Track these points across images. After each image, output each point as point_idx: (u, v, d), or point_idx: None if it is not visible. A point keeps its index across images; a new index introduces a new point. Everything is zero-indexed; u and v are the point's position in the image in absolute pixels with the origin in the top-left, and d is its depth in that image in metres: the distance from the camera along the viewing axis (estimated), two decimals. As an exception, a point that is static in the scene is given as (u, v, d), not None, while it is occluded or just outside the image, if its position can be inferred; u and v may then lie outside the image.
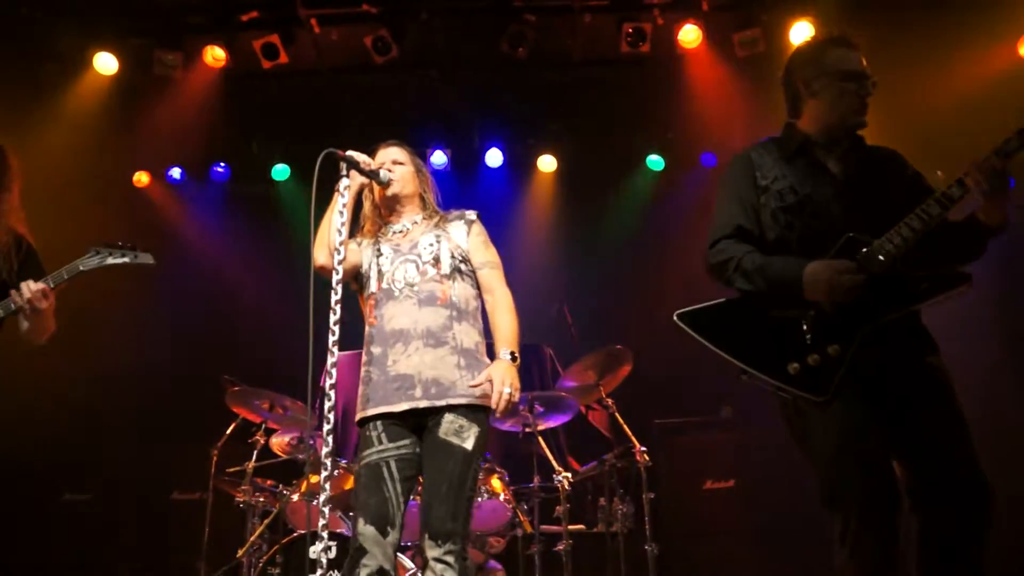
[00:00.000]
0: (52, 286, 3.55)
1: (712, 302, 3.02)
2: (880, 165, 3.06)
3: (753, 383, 2.92)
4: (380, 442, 3.18)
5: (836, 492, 2.73)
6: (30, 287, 3.48)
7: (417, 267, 3.33)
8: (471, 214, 3.53)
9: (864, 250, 2.81)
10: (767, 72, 6.74)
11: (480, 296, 3.43)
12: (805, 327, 2.84)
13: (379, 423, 3.20)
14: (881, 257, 2.78)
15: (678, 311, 2.98)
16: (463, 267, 3.37)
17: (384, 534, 3.06)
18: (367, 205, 3.56)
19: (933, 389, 2.81)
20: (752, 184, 3.03)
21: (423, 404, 3.16)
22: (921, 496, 2.75)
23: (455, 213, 3.55)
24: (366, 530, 3.06)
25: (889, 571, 2.64)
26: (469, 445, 3.11)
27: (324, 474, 2.77)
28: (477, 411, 3.19)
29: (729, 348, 2.90)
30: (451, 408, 3.14)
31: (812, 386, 2.78)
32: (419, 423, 3.20)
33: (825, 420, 2.78)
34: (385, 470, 3.14)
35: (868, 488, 2.67)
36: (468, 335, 3.28)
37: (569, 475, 5.21)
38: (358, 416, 3.28)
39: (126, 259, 3.66)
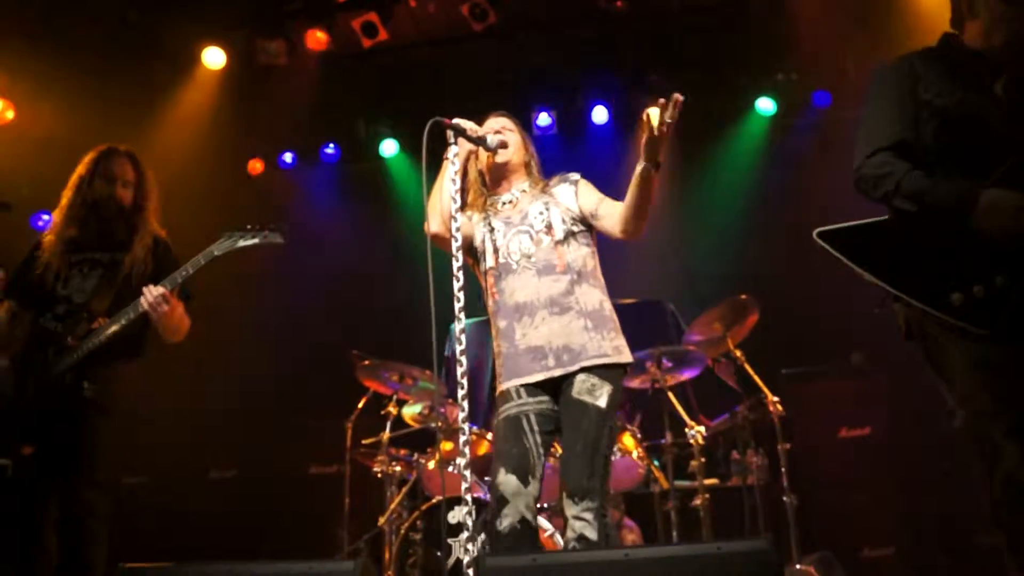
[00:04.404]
0: (170, 288, 3.63)
1: (857, 222, 2.81)
2: None
3: (886, 316, 2.77)
4: (519, 396, 3.21)
5: (986, 453, 2.54)
6: (151, 291, 3.59)
7: (531, 237, 3.31)
8: (574, 175, 3.47)
9: None
10: (879, -2, 6.46)
11: (596, 254, 3.39)
12: (966, 254, 2.61)
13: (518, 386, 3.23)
14: None
15: (819, 229, 2.78)
16: (575, 229, 3.34)
17: (525, 483, 3.07)
18: (472, 173, 3.53)
19: None
20: (913, 95, 2.81)
21: (558, 372, 3.17)
22: None
23: (557, 177, 3.49)
24: (508, 479, 3.08)
25: None
26: (603, 403, 3.10)
27: (463, 439, 2.77)
28: (611, 369, 3.17)
29: (879, 272, 2.70)
30: (584, 369, 3.13)
31: (977, 318, 2.56)
32: (555, 388, 3.20)
33: (976, 370, 2.58)
34: (525, 422, 3.16)
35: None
36: (590, 296, 3.26)
37: (702, 429, 5.16)
38: (499, 389, 3.29)
39: (256, 240, 3.74)
